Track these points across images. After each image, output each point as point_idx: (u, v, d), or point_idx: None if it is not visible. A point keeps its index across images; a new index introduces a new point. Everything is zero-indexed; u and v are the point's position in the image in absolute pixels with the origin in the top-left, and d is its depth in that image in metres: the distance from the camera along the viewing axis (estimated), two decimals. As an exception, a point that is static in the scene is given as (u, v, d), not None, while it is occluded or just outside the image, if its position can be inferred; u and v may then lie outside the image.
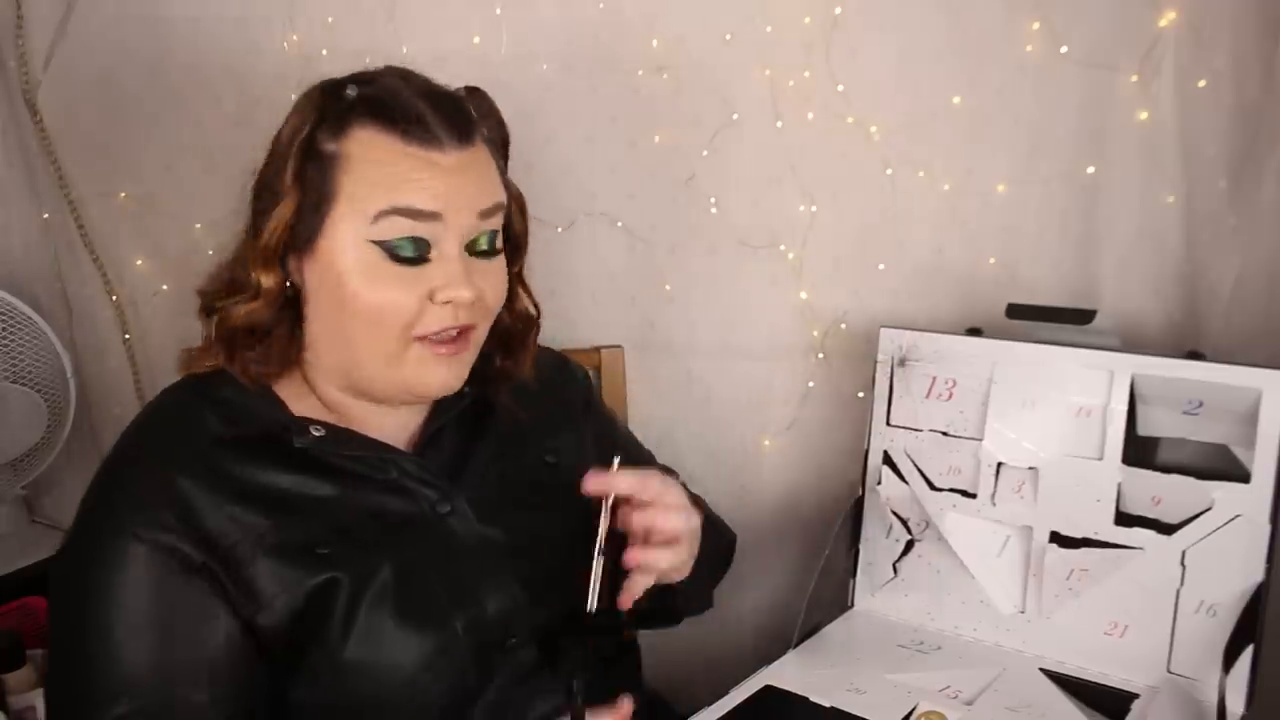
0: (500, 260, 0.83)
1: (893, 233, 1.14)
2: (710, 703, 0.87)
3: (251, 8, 1.28)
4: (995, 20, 1.05)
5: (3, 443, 1.34)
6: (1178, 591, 0.88)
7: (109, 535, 0.76)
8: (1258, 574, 0.85)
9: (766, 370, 1.23)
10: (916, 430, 1.02)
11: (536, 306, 0.91)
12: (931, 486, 1.01)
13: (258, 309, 0.79)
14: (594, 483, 0.79)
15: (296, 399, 0.83)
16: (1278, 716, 0.89)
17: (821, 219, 1.17)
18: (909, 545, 1.04)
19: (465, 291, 0.77)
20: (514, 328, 0.90)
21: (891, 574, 1.05)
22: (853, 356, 1.17)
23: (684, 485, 0.88)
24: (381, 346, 0.78)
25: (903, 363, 1.03)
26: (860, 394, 1.16)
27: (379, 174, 0.76)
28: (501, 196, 0.82)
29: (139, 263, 1.43)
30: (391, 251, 0.76)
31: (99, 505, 0.78)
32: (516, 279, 0.89)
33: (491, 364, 0.88)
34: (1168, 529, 0.89)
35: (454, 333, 0.80)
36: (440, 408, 0.87)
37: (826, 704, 0.86)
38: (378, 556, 0.78)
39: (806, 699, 0.87)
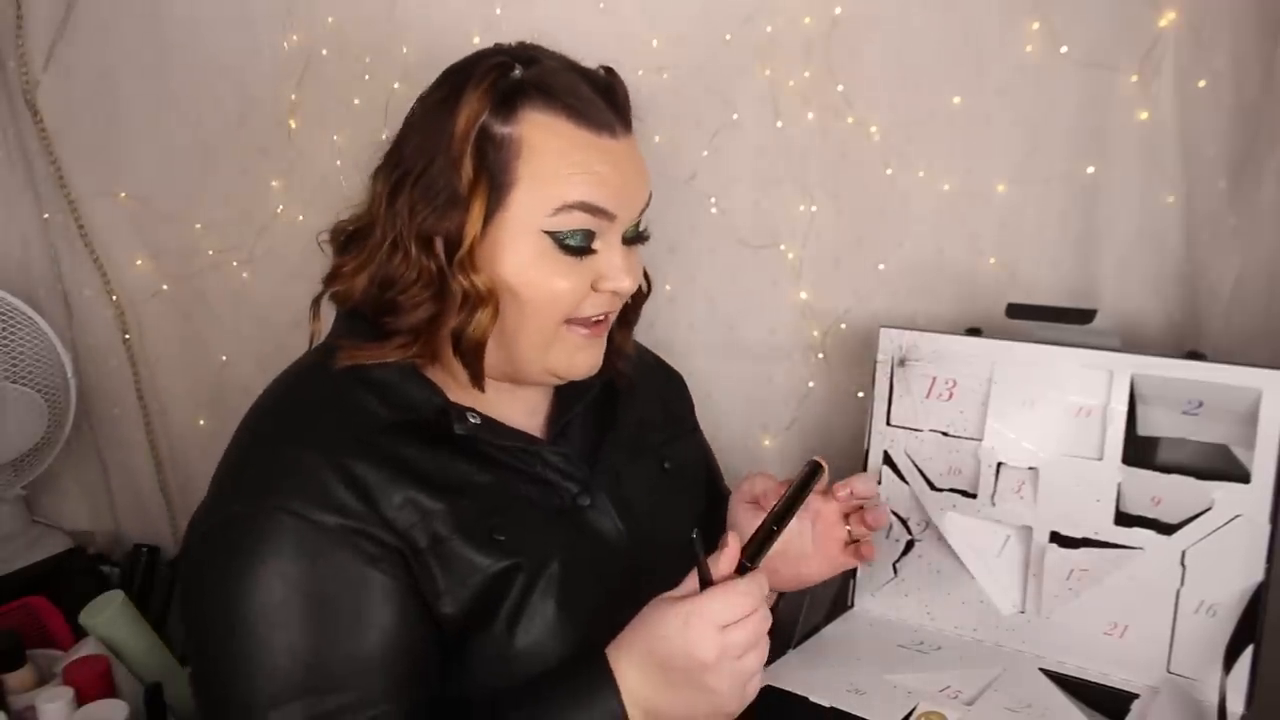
0: (641, 246, 0.85)
1: (893, 233, 1.14)
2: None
3: (251, 8, 1.28)
4: (995, 20, 1.05)
5: (3, 443, 1.34)
6: (1178, 591, 0.88)
7: (267, 517, 0.71)
8: (1258, 574, 0.85)
9: (766, 370, 1.23)
10: (916, 430, 1.02)
11: (649, 280, 0.90)
12: (931, 486, 1.01)
13: (488, 316, 0.77)
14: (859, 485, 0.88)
15: (441, 384, 0.81)
16: (1278, 717, 0.89)
17: (821, 219, 1.17)
18: (909, 545, 1.04)
19: (629, 281, 0.79)
20: (631, 302, 0.89)
21: (891, 574, 1.05)
22: (853, 356, 1.17)
23: None
24: (540, 333, 0.79)
25: (903, 363, 1.03)
26: (860, 394, 1.16)
27: (559, 164, 0.75)
28: (651, 186, 0.83)
29: (139, 263, 1.43)
30: (562, 242, 0.76)
31: (252, 486, 0.73)
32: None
33: (611, 339, 0.87)
34: (1168, 529, 0.89)
35: (601, 316, 0.81)
36: (569, 397, 0.87)
37: (826, 704, 0.86)
38: (548, 545, 0.78)
39: (806, 699, 0.87)
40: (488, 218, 0.76)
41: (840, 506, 0.89)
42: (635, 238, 0.83)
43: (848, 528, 0.90)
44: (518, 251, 0.76)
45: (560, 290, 0.77)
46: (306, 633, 0.70)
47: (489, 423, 0.81)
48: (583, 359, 0.82)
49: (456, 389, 0.82)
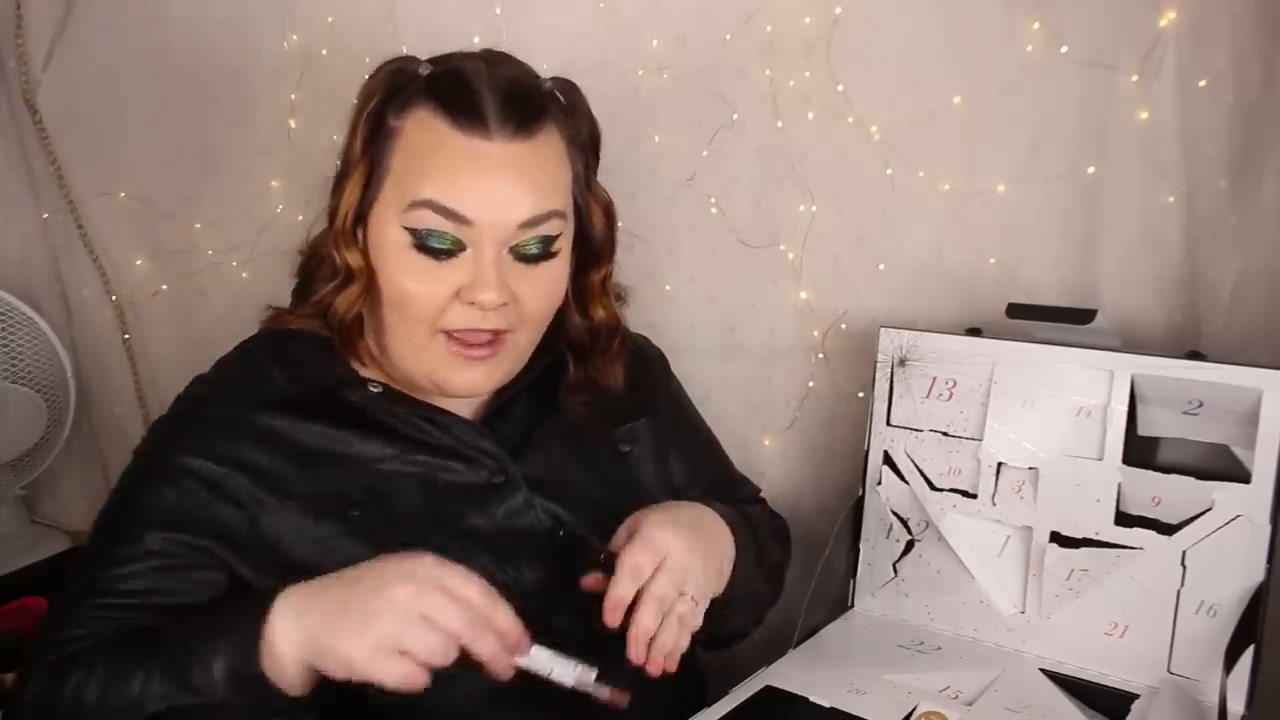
0: (554, 265, 0.81)
1: (893, 233, 1.14)
2: (710, 703, 0.87)
3: (251, 8, 1.28)
4: (995, 20, 1.05)
5: (3, 443, 1.34)
6: (1178, 592, 0.88)
7: (162, 453, 0.80)
8: (1258, 574, 0.85)
9: (766, 370, 1.23)
10: (917, 430, 1.02)
11: (618, 315, 0.89)
12: (932, 486, 1.01)
13: (355, 293, 0.79)
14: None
15: (370, 365, 0.84)
16: (1278, 717, 0.89)
17: (821, 219, 1.16)
18: (909, 545, 1.04)
19: (491, 295, 0.76)
20: (590, 337, 0.87)
21: (891, 574, 1.05)
22: (853, 356, 1.17)
23: (719, 503, 0.88)
24: (409, 335, 0.78)
25: (903, 363, 1.03)
26: (860, 394, 1.16)
27: (421, 160, 0.76)
28: (556, 204, 0.79)
29: (139, 263, 1.43)
30: (421, 242, 0.76)
31: (164, 428, 0.82)
32: (598, 287, 0.87)
33: (565, 372, 0.87)
34: (1168, 529, 0.89)
35: (486, 336, 0.78)
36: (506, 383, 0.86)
37: (826, 704, 0.86)
38: (407, 527, 0.78)
39: (806, 699, 0.87)
40: (371, 207, 0.78)
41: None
42: (537, 255, 0.79)
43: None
44: (382, 242, 0.78)
45: (410, 291, 0.77)
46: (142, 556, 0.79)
47: (390, 391, 0.82)
48: (462, 378, 0.79)
49: (372, 364, 0.84)
